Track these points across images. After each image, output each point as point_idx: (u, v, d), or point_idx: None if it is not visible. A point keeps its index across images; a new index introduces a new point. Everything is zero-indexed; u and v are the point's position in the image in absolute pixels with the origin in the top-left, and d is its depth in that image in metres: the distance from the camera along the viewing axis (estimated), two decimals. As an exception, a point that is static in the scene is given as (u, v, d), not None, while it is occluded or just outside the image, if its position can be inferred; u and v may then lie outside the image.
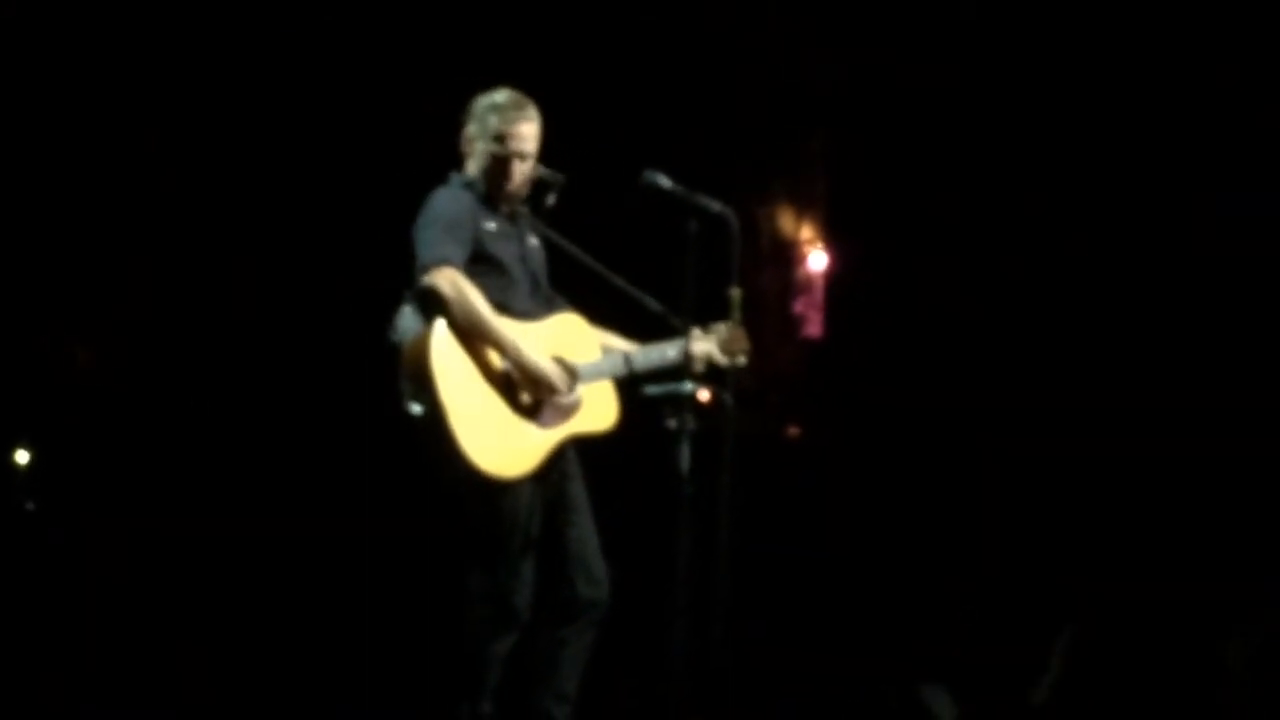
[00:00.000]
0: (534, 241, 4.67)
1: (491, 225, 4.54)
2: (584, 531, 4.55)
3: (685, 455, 4.36)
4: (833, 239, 7.20)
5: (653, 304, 4.59)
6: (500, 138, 4.56)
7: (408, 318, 4.39)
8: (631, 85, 6.73)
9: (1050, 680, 5.57)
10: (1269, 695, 4.95)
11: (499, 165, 4.56)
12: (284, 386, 6.48)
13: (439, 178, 4.62)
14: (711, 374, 4.61)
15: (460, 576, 4.44)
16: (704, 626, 4.48)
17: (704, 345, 4.63)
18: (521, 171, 4.58)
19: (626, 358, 4.61)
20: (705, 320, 4.63)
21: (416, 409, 4.28)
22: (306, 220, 6.49)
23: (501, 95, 4.61)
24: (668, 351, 4.59)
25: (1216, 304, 6.48)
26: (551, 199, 4.64)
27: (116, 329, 6.52)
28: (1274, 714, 4.63)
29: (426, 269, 4.34)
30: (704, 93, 6.95)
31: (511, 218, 4.62)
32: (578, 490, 4.58)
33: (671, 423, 4.40)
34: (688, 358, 4.51)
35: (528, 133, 4.59)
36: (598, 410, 4.55)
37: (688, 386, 4.45)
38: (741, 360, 4.69)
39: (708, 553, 4.38)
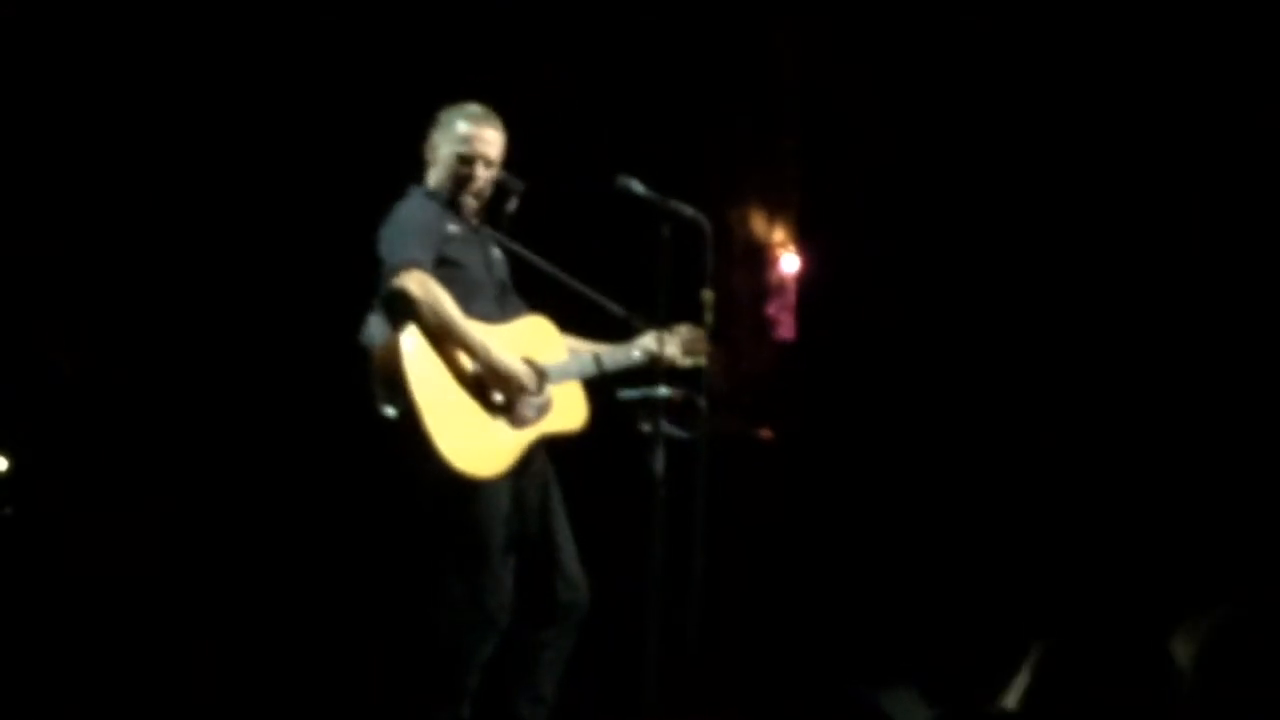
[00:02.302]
0: (495, 253, 4.70)
1: (455, 230, 4.58)
2: (561, 536, 4.59)
3: (659, 458, 4.39)
4: (805, 241, 7.21)
5: (614, 307, 4.66)
6: (466, 140, 4.60)
7: (376, 324, 4.42)
8: (603, 89, 6.73)
9: (1022, 686, 5.59)
10: (1219, 691, 4.98)
11: (464, 168, 4.60)
12: (261, 388, 6.47)
13: (405, 179, 4.65)
14: (684, 377, 4.64)
15: (437, 581, 4.46)
16: (678, 629, 4.51)
17: (665, 346, 4.66)
18: (485, 177, 4.63)
19: (594, 358, 4.66)
20: (670, 323, 4.65)
21: (390, 412, 4.31)
22: (278, 222, 6.48)
23: (469, 105, 4.66)
24: (632, 353, 4.66)
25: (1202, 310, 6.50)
26: (513, 205, 4.70)
27: (99, 332, 6.49)
28: (1225, 710, 4.64)
29: (395, 271, 4.38)
30: (676, 96, 6.95)
31: (474, 226, 4.65)
32: (552, 494, 4.61)
33: (645, 426, 4.43)
34: (652, 358, 4.57)
35: (492, 138, 4.66)
36: (568, 410, 4.59)
37: (661, 390, 4.48)
38: (702, 361, 4.73)
39: (682, 556, 4.41)
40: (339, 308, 4.74)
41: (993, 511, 6.60)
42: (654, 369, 4.55)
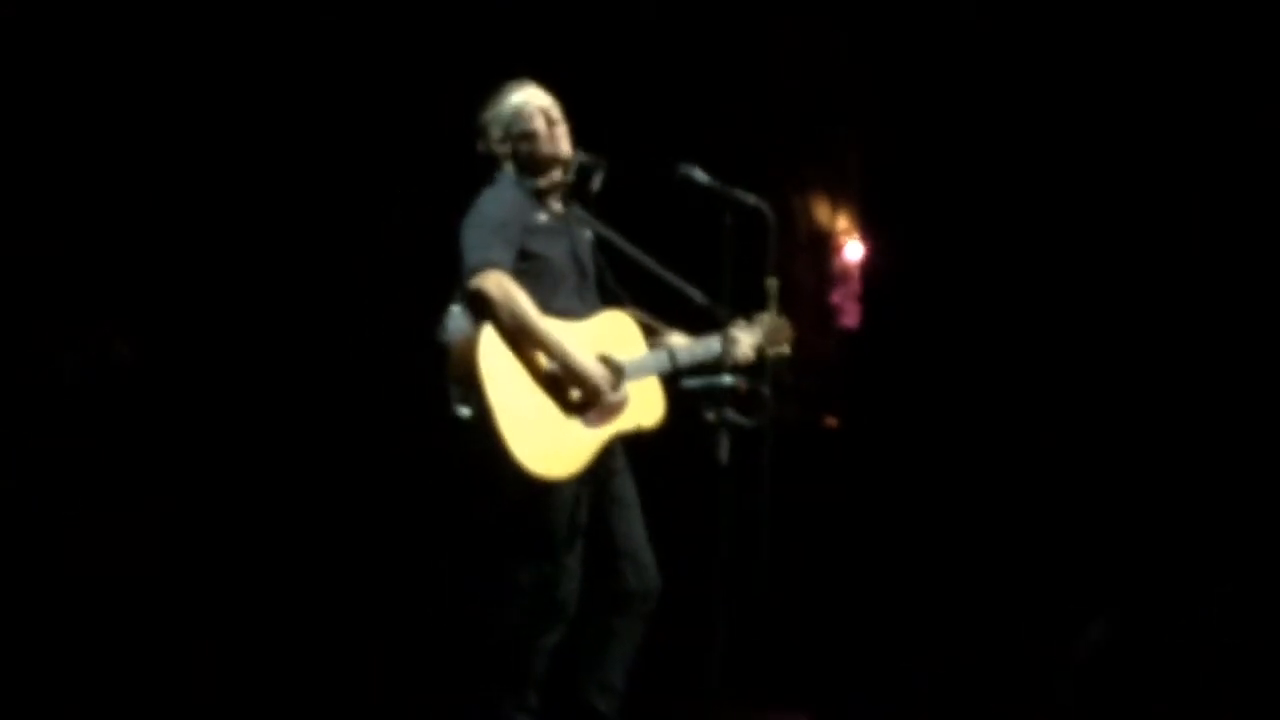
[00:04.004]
0: (585, 235, 4.69)
1: (541, 219, 4.57)
2: (632, 524, 4.58)
3: (725, 447, 4.38)
4: (868, 229, 7.20)
5: (697, 296, 4.62)
6: (518, 107, 4.61)
7: (456, 318, 4.42)
8: (665, 78, 6.74)
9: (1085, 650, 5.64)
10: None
11: (530, 130, 4.60)
12: (328, 385, 6.52)
13: (476, 181, 4.66)
14: (750, 366, 4.63)
15: (506, 570, 4.47)
16: (745, 617, 4.51)
17: (748, 336, 4.67)
18: (557, 134, 4.61)
19: (671, 354, 4.64)
20: (743, 312, 4.66)
21: (465, 412, 4.31)
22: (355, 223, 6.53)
23: (502, 88, 4.67)
24: (712, 345, 4.63)
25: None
26: (597, 183, 4.67)
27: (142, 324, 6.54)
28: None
29: (474, 272, 4.36)
30: (738, 84, 6.95)
31: (562, 214, 4.64)
32: (624, 484, 4.60)
33: (710, 416, 4.42)
34: (732, 350, 4.55)
35: (542, 95, 4.66)
36: (644, 407, 4.57)
37: (726, 379, 4.47)
38: (785, 350, 4.73)
39: (748, 544, 4.41)
40: (418, 302, 4.77)
41: (1054, 497, 6.57)
42: (727, 358, 4.53)
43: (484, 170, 4.68)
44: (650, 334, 4.72)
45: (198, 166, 6.37)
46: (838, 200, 7.30)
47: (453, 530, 6.21)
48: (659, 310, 4.73)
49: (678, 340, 4.71)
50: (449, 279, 4.48)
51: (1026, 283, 6.76)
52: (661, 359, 4.62)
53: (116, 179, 6.33)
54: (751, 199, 4.50)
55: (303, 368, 6.44)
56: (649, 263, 4.67)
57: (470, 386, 4.30)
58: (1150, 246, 6.60)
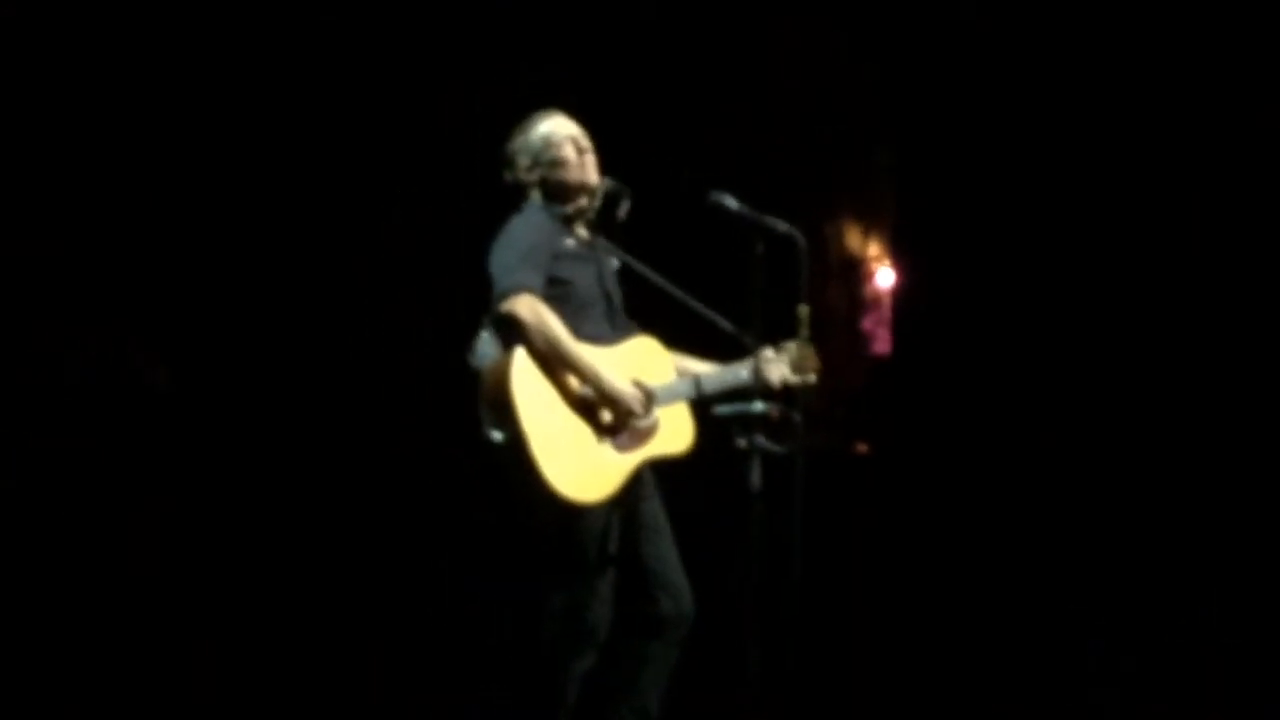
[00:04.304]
0: (612, 264, 4.72)
1: (569, 244, 4.59)
2: (663, 549, 4.58)
3: (756, 473, 4.39)
4: (900, 255, 7.20)
5: (724, 324, 4.64)
6: (547, 136, 4.64)
7: (486, 343, 4.43)
8: (696, 105, 6.76)
9: None
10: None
11: (565, 170, 4.62)
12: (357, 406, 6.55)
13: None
14: (780, 393, 4.64)
15: (539, 595, 4.48)
16: (777, 644, 4.51)
17: (776, 365, 4.67)
18: (586, 162, 4.64)
19: (701, 380, 4.65)
20: (774, 339, 4.66)
21: (497, 436, 4.32)
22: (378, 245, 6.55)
23: (530, 118, 4.69)
24: (740, 372, 4.64)
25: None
26: (624, 210, 4.69)
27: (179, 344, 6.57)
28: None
29: (506, 295, 4.38)
30: (770, 111, 6.97)
31: (589, 241, 4.67)
32: (654, 509, 4.61)
33: (742, 442, 4.43)
34: (760, 377, 4.56)
35: (574, 129, 4.69)
36: (675, 432, 4.58)
37: (758, 406, 4.49)
38: (812, 379, 4.72)
39: (780, 570, 4.41)
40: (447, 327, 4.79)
41: (1087, 521, 6.56)
42: (757, 386, 4.54)
43: (507, 196, 4.69)
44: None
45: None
46: (869, 227, 7.31)
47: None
48: (684, 338, 4.75)
49: (705, 368, 4.73)
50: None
51: (1058, 309, 6.75)
52: (691, 385, 4.63)
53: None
54: (783, 226, 4.51)
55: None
56: (675, 291, 4.68)
57: (502, 410, 4.31)
58: (1185, 267, 6.59)
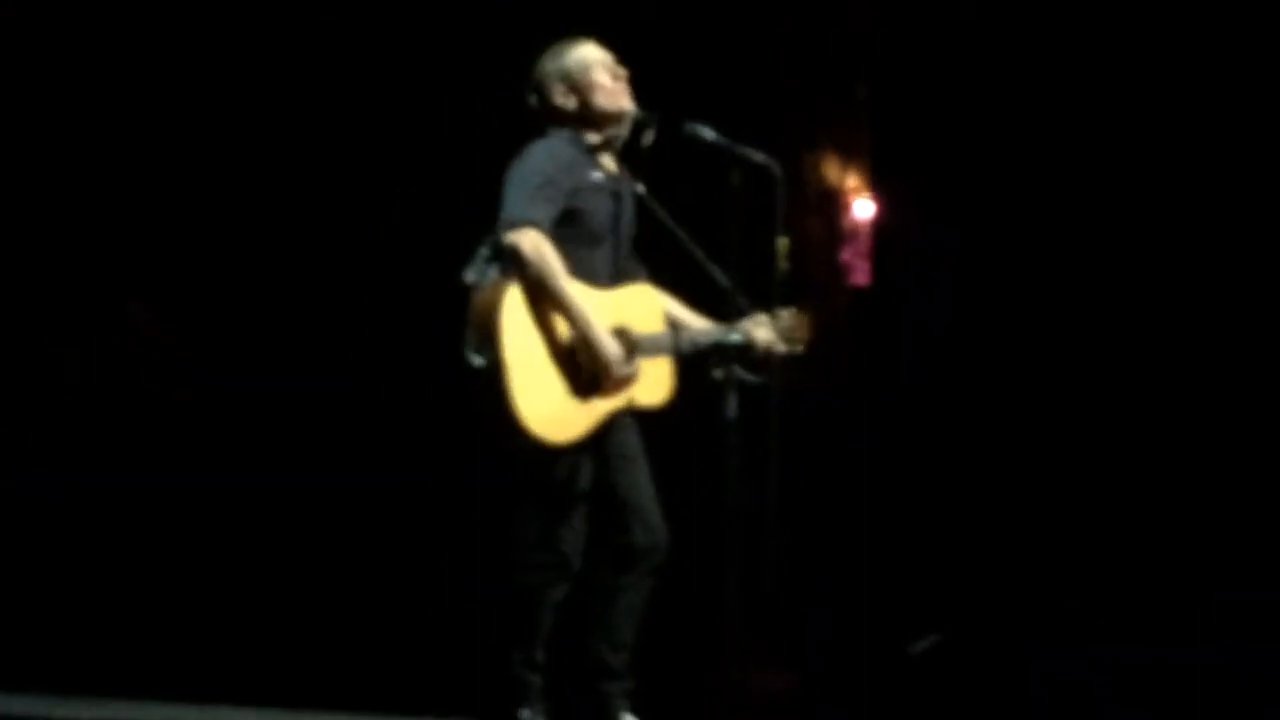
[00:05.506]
0: (632, 195, 4.65)
1: (595, 177, 4.54)
2: (637, 480, 4.58)
3: (732, 404, 4.39)
4: (878, 187, 7.19)
5: (723, 279, 4.57)
6: (581, 59, 4.58)
7: (485, 262, 4.41)
8: (673, 35, 6.72)
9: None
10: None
11: (600, 95, 4.56)
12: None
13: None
14: (764, 359, 4.61)
15: (511, 524, 4.50)
16: (756, 571, 4.53)
17: (766, 331, 4.64)
18: (623, 90, 4.58)
19: (689, 338, 4.61)
20: (752, 272, 4.64)
21: (478, 360, 4.32)
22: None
23: (559, 44, 4.63)
24: (730, 335, 4.58)
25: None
26: (648, 138, 4.63)
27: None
28: None
29: (513, 226, 4.35)
30: (747, 42, 6.94)
31: (615, 173, 4.61)
32: (629, 440, 4.60)
33: (718, 372, 4.43)
34: (749, 341, 4.54)
35: (607, 55, 4.62)
36: (653, 384, 4.57)
37: (734, 337, 4.48)
38: (800, 349, 4.70)
39: (758, 497, 4.42)
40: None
41: (1061, 458, 6.59)
42: (751, 354, 4.54)
43: (533, 129, 4.63)
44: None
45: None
46: (848, 158, 7.29)
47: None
48: (677, 286, 4.73)
49: (700, 323, 4.69)
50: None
51: (1036, 239, 6.76)
52: (678, 340, 4.60)
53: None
54: (760, 156, 4.47)
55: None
56: (681, 235, 4.64)
57: (488, 337, 4.31)
58: (1162, 193, 6.60)
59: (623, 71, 4.63)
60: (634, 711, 4.59)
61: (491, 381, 4.30)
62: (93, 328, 6.57)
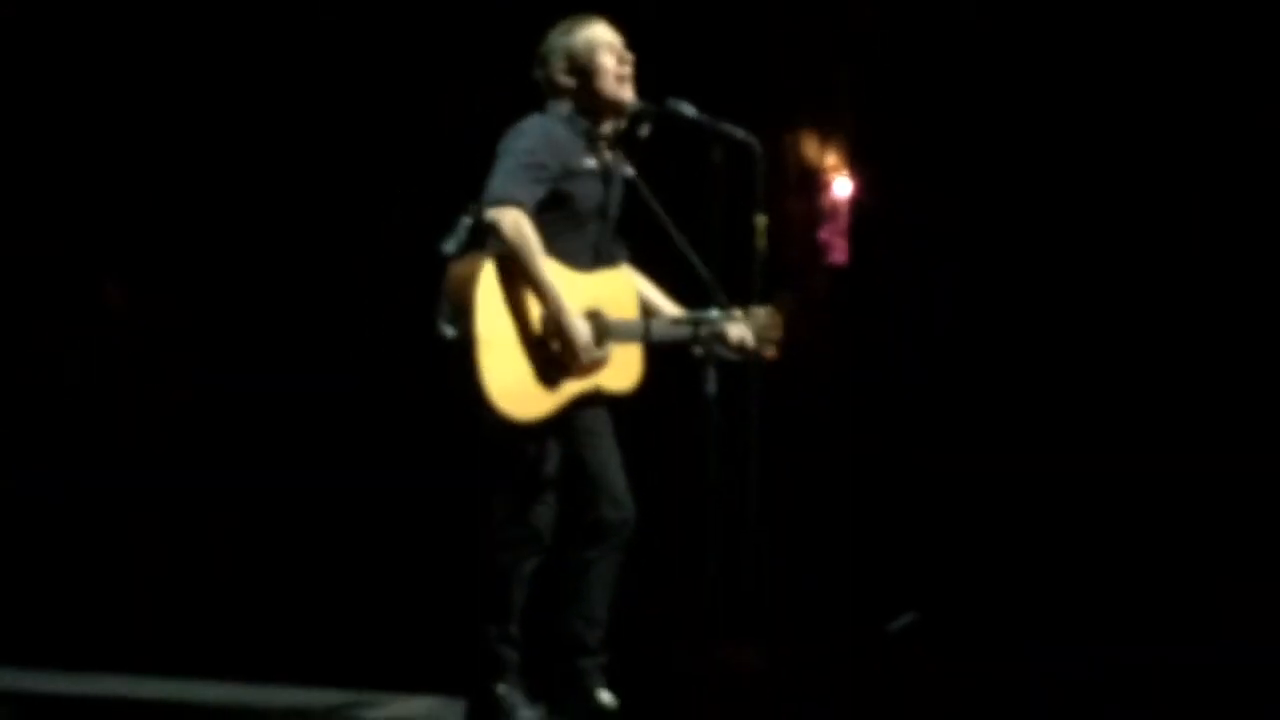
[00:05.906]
0: (622, 182, 4.64)
1: (587, 164, 4.53)
2: (605, 454, 4.59)
3: (712, 380, 4.40)
4: (858, 166, 7.19)
5: (704, 271, 4.56)
6: (588, 38, 4.55)
7: (465, 233, 4.39)
8: (653, 15, 6.71)
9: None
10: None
11: (603, 80, 4.54)
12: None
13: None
14: (735, 353, 4.61)
15: (484, 500, 4.51)
16: (735, 549, 4.53)
17: (739, 328, 4.63)
18: (627, 79, 4.55)
19: (658, 328, 4.59)
20: (731, 251, 4.63)
21: (449, 331, 4.32)
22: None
23: (572, 19, 4.60)
24: (701, 327, 4.55)
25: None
26: (645, 130, 4.62)
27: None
28: None
29: (496, 203, 4.34)
30: (729, 19, 6.93)
31: (608, 161, 4.59)
32: (597, 416, 4.60)
33: (698, 350, 4.43)
34: (723, 335, 4.51)
35: (617, 39, 4.60)
36: (621, 370, 4.57)
37: (713, 314, 4.48)
38: (771, 351, 4.69)
39: (738, 475, 4.42)
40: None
41: (1044, 436, 6.60)
42: (725, 347, 4.52)
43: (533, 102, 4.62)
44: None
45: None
46: (828, 137, 7.28)
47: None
48: (659, 270, 4.72)
49: (676, 312, 4.68)
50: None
51: (1016, 218, 6.77)
52: (649, 328, 4.59)
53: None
54: (740, 133, 4.48)
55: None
56: (670, 225, 4.62)
57: (461, 309, 4.32)
58: (1143, 187, 6.61)
59: (630, 56, 4.61)
60: (609, 687, 4.60)
61: (461, 354, 4.30)
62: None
